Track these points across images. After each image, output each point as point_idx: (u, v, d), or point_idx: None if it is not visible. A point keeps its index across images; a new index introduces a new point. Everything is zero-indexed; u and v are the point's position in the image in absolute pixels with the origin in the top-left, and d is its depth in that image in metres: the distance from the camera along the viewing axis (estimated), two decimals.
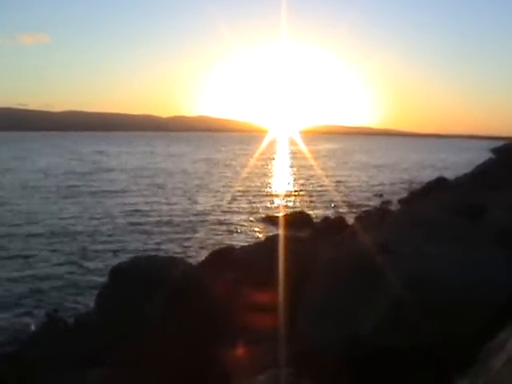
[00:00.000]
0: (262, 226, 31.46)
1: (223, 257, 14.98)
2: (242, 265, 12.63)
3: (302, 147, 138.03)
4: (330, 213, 33.70)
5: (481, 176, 33.02)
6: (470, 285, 7.48)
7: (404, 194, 41.12)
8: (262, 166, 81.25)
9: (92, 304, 12.96)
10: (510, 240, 9.74)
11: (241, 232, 29.55)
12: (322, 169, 73.69)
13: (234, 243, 23.52)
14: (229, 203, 39.82)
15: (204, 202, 40.81)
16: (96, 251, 23.80)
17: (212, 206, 38.71)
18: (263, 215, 34.58)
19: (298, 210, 35.54)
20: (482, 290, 7.37)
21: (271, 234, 24.80)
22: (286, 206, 39.95)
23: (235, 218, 33.67)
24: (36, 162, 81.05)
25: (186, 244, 25.82)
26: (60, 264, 21.69)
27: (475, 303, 7.18)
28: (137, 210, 35.46)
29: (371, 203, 39.69)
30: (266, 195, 46.55)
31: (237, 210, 37.25)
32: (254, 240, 24.82)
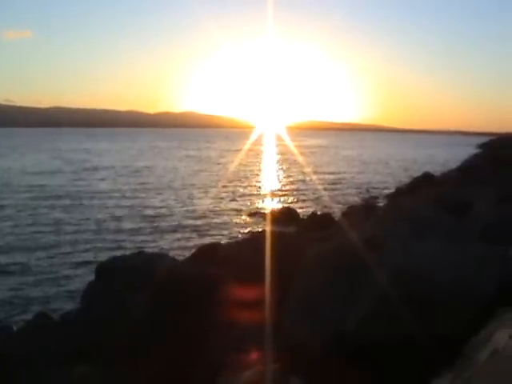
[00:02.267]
0: (248, 222, 31.46)
1: (210, 253, 14.92)
2: (229, 261, 12.60)
3: (289, 143, 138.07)
4: (316, 208, 33.72)
5: (467, 171, 33.19)
6: (456, 280, 7.50)
7: (391, 190, 41.26)
8: (249, 162, 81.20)
9: (78, 301, 12.91)
10: (494, 236, 9.79)
11: (228, 228, 29.54)
12: (309, 165, 73.77)
13: (221, 239, 23.52)
14: (215, 200, 39.80)
15: (191, 198, 40.76)
16: (82, 249, 23.73)
17: (199, 202, 38.65)
18: (250, 211, 34.62)
19: (284, 206, 35.59)
20: (467, 285, 7.40)
21: (258, 229, 24.83)
22: (273, 202, 40.01)
23: (222, 215, 33.65)
24: (17, 159, 79.38)
25: (172, 240, 25.80)
26: (46, 262, 21.59)
27: (461, 298, 7.21)
28: (123, 208, 35.31)
29: (358, 199, 39.79)
30: (253, 192, 46.55)
31: (224, 206, 37.23)
32: (240, 236, 24.82)
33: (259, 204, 39.30)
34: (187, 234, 27.39)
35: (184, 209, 35.51)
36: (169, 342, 9.03)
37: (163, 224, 30.02)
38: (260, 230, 26.03)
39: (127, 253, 17.60)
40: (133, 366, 8.51)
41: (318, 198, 41.31)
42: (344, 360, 7.10)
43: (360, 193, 44.87)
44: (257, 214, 33.15)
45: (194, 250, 18.25)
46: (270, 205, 38.43)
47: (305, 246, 12.24)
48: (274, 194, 45.04)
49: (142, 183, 49.97)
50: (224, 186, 47.98)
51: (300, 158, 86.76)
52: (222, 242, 19.38)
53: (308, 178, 56.49)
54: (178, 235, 27.14)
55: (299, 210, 32.68)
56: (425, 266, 7.85)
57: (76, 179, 52.67)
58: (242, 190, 47.09)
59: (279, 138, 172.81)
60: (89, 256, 22.33)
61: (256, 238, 13.72)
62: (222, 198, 40.82)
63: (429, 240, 9.21)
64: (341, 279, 8.19)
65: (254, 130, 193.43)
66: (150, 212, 33.88)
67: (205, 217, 32.50)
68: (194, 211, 34.52)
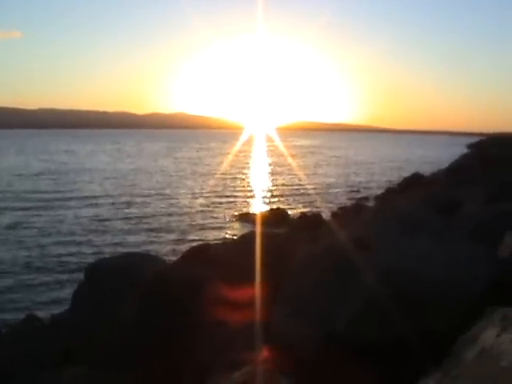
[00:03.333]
0: (239, 223, 31.48)
1: (200, 254, 14.90)
2: (219, 262, 12.59)
3: (279, 144, 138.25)
4: (306, 209, 33.80)
5: (457, 171, 33.31)
6: (445, 280, 7.52)
7: (381, 190, 41.38)
8: (239, 163, 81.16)
9: (68, 303, 12.89)
10: (484, 235, 9.84)
11: (218, 229, 29.55)
12: (299, 165, 73.90)
13: (211, 240, 23.51)
14: (206, 201, 39.79)
15: (181, 200, 40.71)
16: (71, 251, 23.67)
17: (189, 204, 38.62)
18: (240, 213, 34.59)
19: (274, 207, 35.61)
20: (456, 284, 7.42)
21: (248, 231, 24.85)
22: (263, 204, 40.02)
23: (212, 216, 33.66)
24: (2, 162, 77.90)
25: (162, 242, 25.79)
26: (34, 264, 21.53)
27: (449, 297, 7.23)
28: (111, 211, 35.18)
29: (348, 199, 39.91)
30: (243, 193, 46.58)
31: (214, 207, 37.23)
32: (230, 237, 24.84)
33: (249, 205, 39.32)
34: (177, 236, 27.38)
35: (173, 211, 35.45)
36: (157, 342, 9.02)
37: (153, 226, 29.99)
38: (250, 231, 26.04)
39: (117, 254, 17.61)
40: (121, 367, 8.49)
41: (308, 199, 41.36)
42: (334, 360, 7.11)
43: (350, 193, 44.99)
44: (247, 216, 33.12)
45: (183, 252, 18.27)
46: (260, 206, 38.46)
47: (295, 247, 12.25)
48: (264, 196, 45.08)
49: (131, 185, 49.77)
50: (214, 188, 47.93)
51: (290, 159, 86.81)
52: (212, 244, 19.36)
53: (298, 179, 56.57)
54: (168, 237, 27.13)
55: (289, 211, 32.76)
56: (414, 265, 7.87)
57: (63, 182, 52.16)
58: (232, 191, 47.09)
59: (269, 139, 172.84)
60: (78, 258, 22.28)
61: (246, 239, 13.72)
62: (211, 200, 40.81)
63: (418, 240, 9.24)
64: (331, 280, 8.20)
65: (244, 131, 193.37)
66: (138, 214, 33.81)
67: (194, 218, 32.49)
68: (183, 213, 34.48)
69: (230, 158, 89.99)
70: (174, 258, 18.28)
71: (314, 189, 47.87)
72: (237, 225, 30.89)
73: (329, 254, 8.84)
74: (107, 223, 30.40)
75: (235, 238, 21.47)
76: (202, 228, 29.63)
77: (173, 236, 27.27)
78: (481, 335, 5.33)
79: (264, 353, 7.62)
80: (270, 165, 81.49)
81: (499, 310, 5.88)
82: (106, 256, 16.42)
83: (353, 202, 36.59)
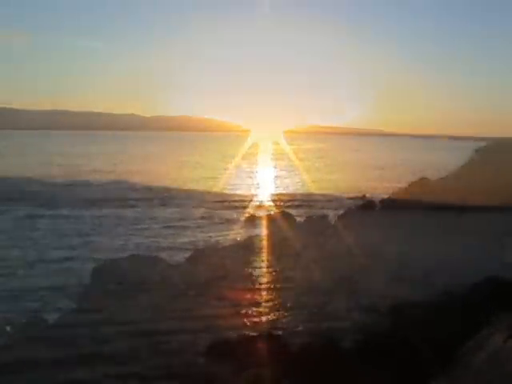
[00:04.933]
0: (245, 225, 31.38)
1: (205, 256, 14.95)
2: (225, 264, 12.64)
3: (286, 147, 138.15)
4: (312, 213, 33.66)
5: (462, 175, 33.30)
6: (452, 284, 7.52)
7: (387, 194, 41.23)
8: (246, 166, 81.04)
9: (73, 304, 12.91)
10: (491, 238, 9.83)
11: (224, 232, 29.47)
12: (306, 169, 73.74)
13: (217, 243, 23.45)
14: (211, 204, 39.71)
15: (186, 203, 40.64)
16: (77, 253, 23.61)
17: (194, 207, 38.57)
18: (247, 215, 34.50)
19: (281, 210, 35.53)
20: (462, 289, 7.41)
21: (254, 233, 24.80)
22: (270, 206, 39.93)
23: (218, 219, 33.59)
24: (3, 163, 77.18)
25: (167, 244, 25.71)
26: (40, 267, 21.47)
27: (456, 303, 7.22)
28: (117, 213, 35.13)
29: (354, 203, 39.74)
30: (250, 196, 46.48)
31: (220, 210, 37.16)
32: (236, 240, 24.79)
33: (256, 208, 39.20)
34: (182, 239, 27.32)
35: (178, 214, 35.41)
36: (164, 343, 9.03)
37: (158, 229, 29.92)
38: (256, 233, 25.98)
39: (122, 256, 17.61)
40: (129, 366, 8.50)
41: (314, 202, 41.26)
42: (339, 364, 7.09)
43: (356, 197, 44.85)
44: (253, 218, 33.04)
45: (189, 254, 18.23)
46: (267, 209, 38.37)
47: (301, 249, 12.27)
48: (270, 199, 44.98)
49: (135, 188, 49.59)
50: (219, 191, 47.88)
51: (297, 163, 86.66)
52: (218, 246, 19.36)
53: (304, 183, 56.50)
54: (173, 239, 27.06)
55: (295, 214, 32.64)
56: (420, 270, 7.87)
57: (67, 184, 51.87)
58: (238, 194, 47.04)
59: (276, 143, 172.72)
60: (83, 260, 22.22)
61: (252, 241, 13.77)
62: (217, 203, 40.72)
63: (425, 244, 9.25)
64: (336, 282, 8.20)
65: (250, 134, 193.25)
66: (143, 217, 33.75)
67: (200, 221, 32.43)
68: (188, 216, 34.43)
69: (236, 160, 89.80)
70: (180, 260, 18.26)
71: (320, 192, 47.76)
72: (243, 227, 30.79)
73: (335, 256, 8.85)
74: (112, 226, 30.35)
75: (241, 240, 21.45)
76: (208, 231, 29.54)
77: (178, 238, 27.22)
78: (487, 341, 5.31)
79: (268, 355, 7.62)
80: (276, 168, 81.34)
81: (506, 316, 5.86)
82: (112, 258, 16.38)
83: (359, 205, 36.42)
